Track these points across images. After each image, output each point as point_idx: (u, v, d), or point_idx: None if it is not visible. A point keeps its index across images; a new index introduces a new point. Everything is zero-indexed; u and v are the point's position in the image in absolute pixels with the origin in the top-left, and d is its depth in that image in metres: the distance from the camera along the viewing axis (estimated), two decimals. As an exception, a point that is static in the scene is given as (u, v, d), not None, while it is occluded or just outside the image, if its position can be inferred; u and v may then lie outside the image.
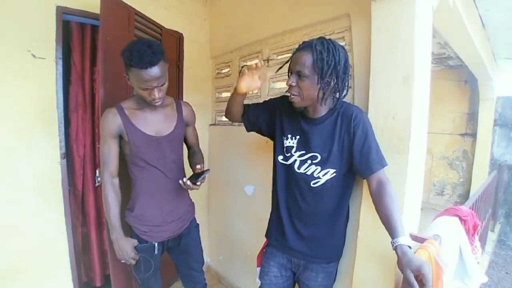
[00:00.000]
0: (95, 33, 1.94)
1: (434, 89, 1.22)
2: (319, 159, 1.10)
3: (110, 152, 1.20)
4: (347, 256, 1.27)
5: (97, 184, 1.61)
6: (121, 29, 1.51)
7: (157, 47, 1.09)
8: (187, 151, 1.51)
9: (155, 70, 1.07)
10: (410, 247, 0.85)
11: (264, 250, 1.35)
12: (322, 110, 1.10)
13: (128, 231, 1.30)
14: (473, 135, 3.98)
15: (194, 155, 1.48)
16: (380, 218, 0.96)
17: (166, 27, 1.90)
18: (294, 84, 1.03)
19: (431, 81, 1.16)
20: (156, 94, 1.13)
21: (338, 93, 1.04)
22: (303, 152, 1.13)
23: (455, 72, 4.01)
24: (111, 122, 1.18)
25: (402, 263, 0.82)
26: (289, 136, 1.17)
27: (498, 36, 2.65)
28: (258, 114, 1.29)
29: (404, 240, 0.86)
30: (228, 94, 2.21)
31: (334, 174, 1.08)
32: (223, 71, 2.31)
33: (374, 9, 1.11)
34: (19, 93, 1.56)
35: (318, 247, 1.17)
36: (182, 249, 1.40)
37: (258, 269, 1.36)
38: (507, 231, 3.98)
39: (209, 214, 2.51)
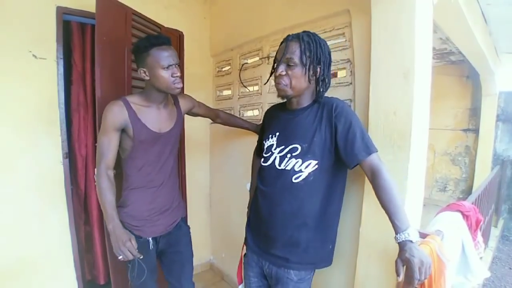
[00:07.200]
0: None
1: (436, 85, 1.21)
2: (299, 150, 1.06)
3: (110, 144, 1.18)
4: (349, 253, 1.27)
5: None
6: (117, 29, 1.51)
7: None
8: (220, 121, 1.69)
9: (172, 48, 1.19)
10: (412, 241, 0.83)
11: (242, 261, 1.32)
12: (305, 101, 1.12)
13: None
14: (476, 131, 3.96)
15: (230, 116, 1.72)
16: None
17: (166, 26, 1.90)
18: (283, 73, 1.04)
19: (433, 76, 1.15)
20: (178, 72, 1.19)
21: (322, 83, 1.07)
22: (283, 147, 1.11)
23: (457, 68, 3.98)
24: (117, 114, 1.17)
25: (402, 259, 0.83)
26: (269, 136, 1.18)
27: (500, 30, 2.63)
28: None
29: (404, 236, 0.84)
30: (229, 92, 2.22)
31: (316, 166, 1.04)
32: (223, 69, 2.30)
33: (374, 5, 1.11)
34: (20, 94, 1.57)
35: (297, 252, 1.09)
36: (172, 243, 1.37)
37: (241, 286, 1.34)
38: (511, 227, 3.97)
39: (211, 212, 2.51)
